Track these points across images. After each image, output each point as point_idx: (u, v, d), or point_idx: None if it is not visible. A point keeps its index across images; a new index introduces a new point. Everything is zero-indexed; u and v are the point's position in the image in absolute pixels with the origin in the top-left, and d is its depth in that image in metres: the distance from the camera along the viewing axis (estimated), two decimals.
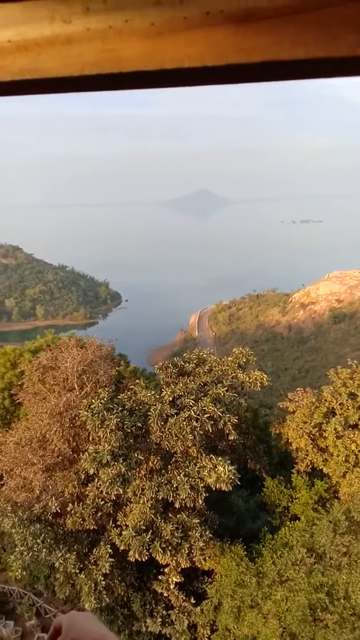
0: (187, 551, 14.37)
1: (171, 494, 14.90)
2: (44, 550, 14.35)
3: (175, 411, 16.11)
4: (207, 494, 15.29)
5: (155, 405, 16.31)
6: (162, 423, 15.84)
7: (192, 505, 15.00)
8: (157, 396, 17.01)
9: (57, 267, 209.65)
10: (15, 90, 1.05)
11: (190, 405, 15.97)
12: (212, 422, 15.65)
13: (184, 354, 20.78)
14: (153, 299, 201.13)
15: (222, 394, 16.82)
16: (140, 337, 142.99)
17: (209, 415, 15.67)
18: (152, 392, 17.39)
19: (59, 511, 15.83)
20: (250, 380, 18.96)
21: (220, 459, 15.12)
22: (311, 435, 19.55)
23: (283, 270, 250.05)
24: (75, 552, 14.59)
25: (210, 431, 15.79)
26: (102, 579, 14.20)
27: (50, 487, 17.10)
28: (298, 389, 21.64)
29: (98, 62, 0.95)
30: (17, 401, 24.01)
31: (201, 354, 20.54)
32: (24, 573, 15.18)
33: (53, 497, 16.04)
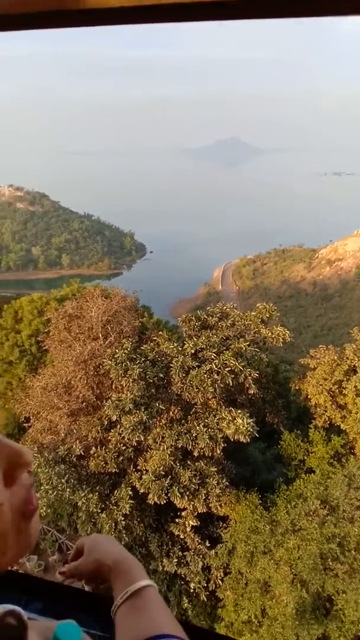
0: (204, 497, 14.92)
1: (190, 443, 15.33)
2: (68, 489, 15.07)
3: (197, 364, 16.32)
4: (225, 445, 15.68)
5: (178, 357, 16.53)
6: (184, 375, 16.10)
7: (210, 454, 15.44)
8: (180, 348, 17.21)
9: (83, 216, 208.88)
10: None
11: (212, 359, 16.14)
12: (233, 376, 15.84)
13: (207, 308, 20.80)
14: (178, 251, 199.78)
15: (244, 349, 16.91)
16: (164, 289, 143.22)
17: (230, 368, 15.84)
18: (175, 344, 17.58)
19: (83, 454, 16.48)
20: (273, 336, 18.96)
21: (239, 411, 15.39)
22: (331, 392, 19.64)
23: (311, 224, 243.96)
24: (97, 493, 15.29)
25: (231, 384, 16.00)
26: (122, 519, 14.91)
27: (75, 431, 17.74)
28: (320, 346, 21.57)
29: None
30: (44, 348, 24.61)
31: (224, 308, 20.54)
32: (49, 511, 16.00)
33: (77, 441, 16.68)
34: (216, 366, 15.84)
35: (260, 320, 19.65)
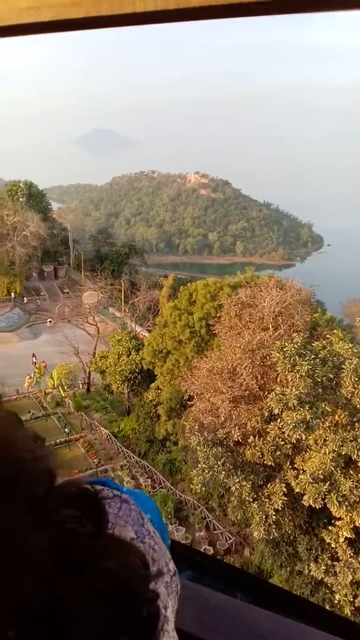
0: None
1: (356, 452, 14.41)
2: (223, 472, 15.36)
3: None
4: None
5: (351, 359, 15.58)
6: (356, 379, 15.12)
7: None
8: (355, 350, 16.19)
9: (262, 205, 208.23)
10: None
11: None
12: None
13: None
14: (358, 246, 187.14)
15: None
16: (337, 285, 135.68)
17: None
18: (350, 345, 16.60)
19: (240, 441, 16.63)
20: None
21: None
22: None
23: None
24: (250, 482, 15.33)
25: None
26: (273, 513, 14.74)
27: (234, 417, 17.96)
28: None
29: None
30: (213, 332, 25.31)
31: None
32: (203, 488, 16.57)
33: (236, 427, 16.86)
34: None
35: None
